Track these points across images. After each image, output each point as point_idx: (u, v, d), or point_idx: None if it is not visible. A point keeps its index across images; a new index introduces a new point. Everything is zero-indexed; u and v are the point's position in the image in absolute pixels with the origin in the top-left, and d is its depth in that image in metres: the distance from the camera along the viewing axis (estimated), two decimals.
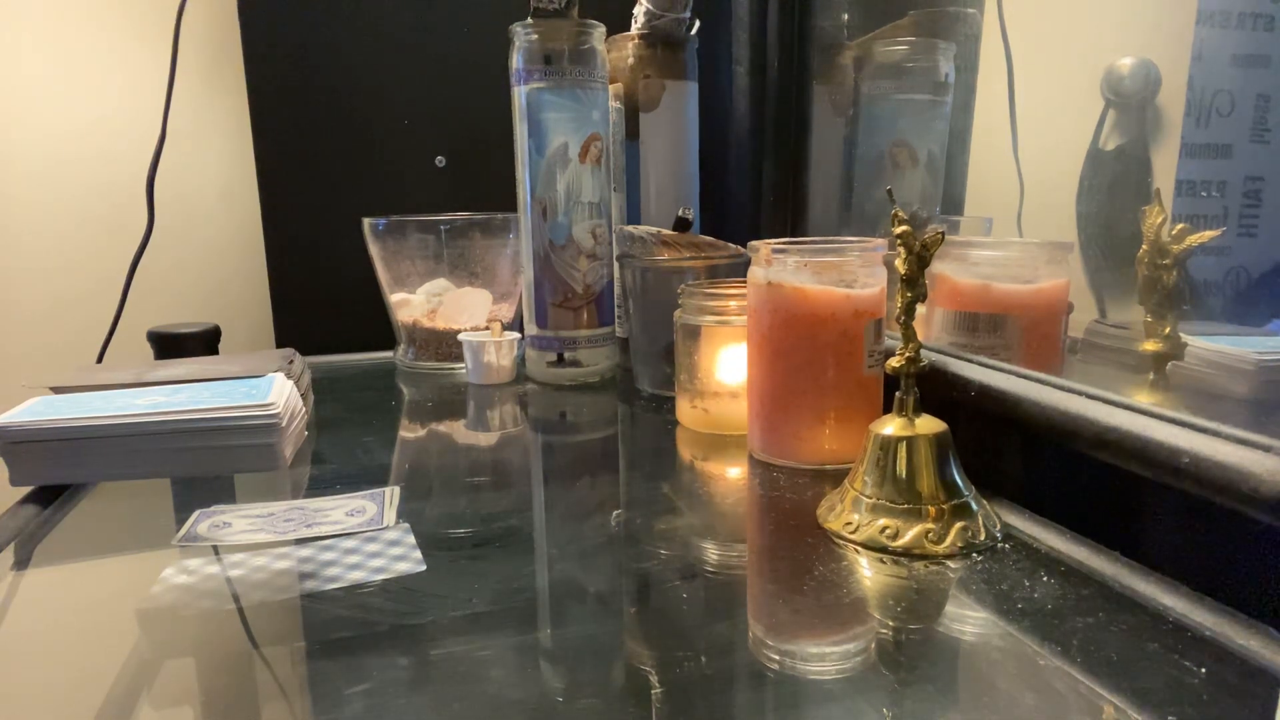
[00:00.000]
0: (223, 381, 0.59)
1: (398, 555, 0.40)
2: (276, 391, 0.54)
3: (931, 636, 0.33)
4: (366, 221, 0.84)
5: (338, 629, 0.34)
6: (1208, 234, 0.45)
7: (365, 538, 0.42)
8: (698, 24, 0.81)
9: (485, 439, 0.64)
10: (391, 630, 0.34)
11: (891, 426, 0.41)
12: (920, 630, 0.33)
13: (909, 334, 0.42)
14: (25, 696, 0.32)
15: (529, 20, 0.69)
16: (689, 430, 0.60)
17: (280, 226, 0.95)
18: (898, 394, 0.42)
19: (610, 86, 0.78)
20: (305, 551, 0.41)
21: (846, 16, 0.79)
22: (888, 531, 0.40)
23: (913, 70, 0.70)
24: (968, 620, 0.34)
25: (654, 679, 0.31)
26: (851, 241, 0.49)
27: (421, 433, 0.66)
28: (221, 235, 1.09)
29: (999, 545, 0.40)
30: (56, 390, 0.59)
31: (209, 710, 0.30)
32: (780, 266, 0.49)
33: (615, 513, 0.45)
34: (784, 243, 0.49)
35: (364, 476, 0.52)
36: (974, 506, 0.41)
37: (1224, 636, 0.31)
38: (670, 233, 0.68)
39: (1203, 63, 0.46)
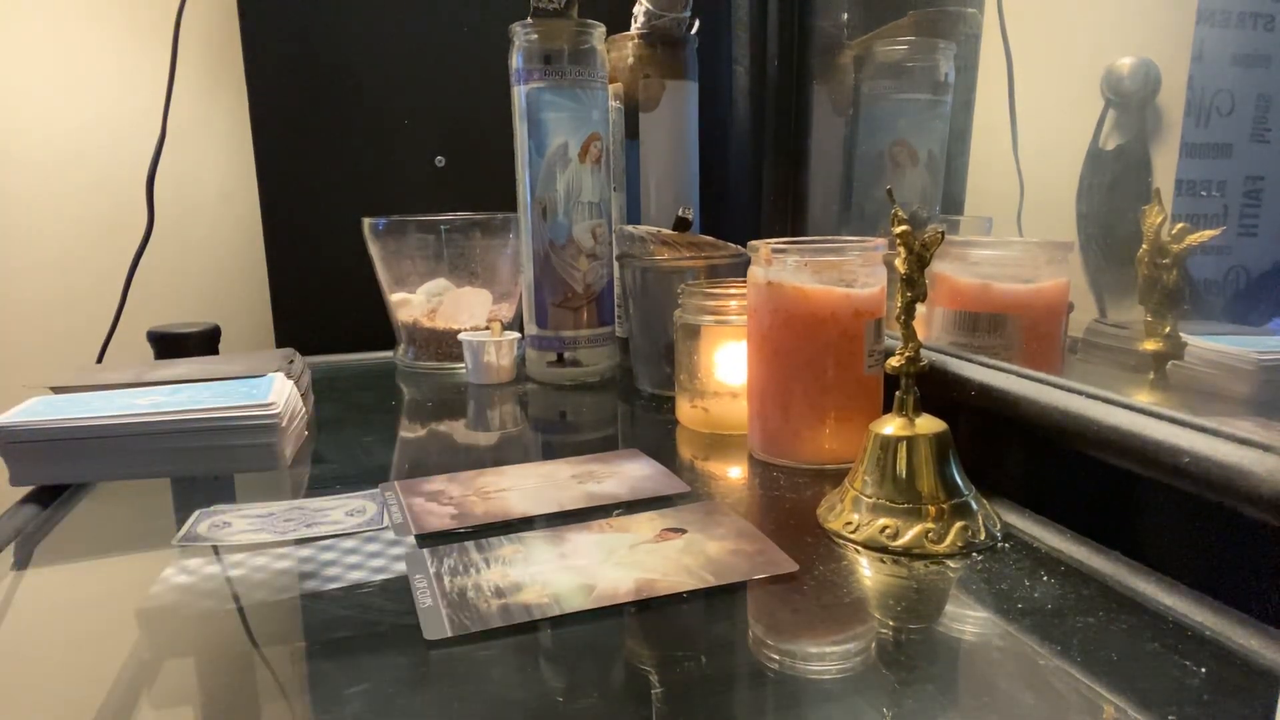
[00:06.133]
0: (223, 381, 0.59)
1: (398, 555, 0.40)
2: (276, 391, 0.54)
3: (931, 636, 0.33)
4: (366, 221, 0.84)
5: (338, 629, 0.34)
6: (1207, 233, 0.45)
7: (365, 538, 0.42)
8: (698, 24, 0.81)
9: (485, 439, 0.64)
10: (391, 630, 0.34)
11: (891, 426, 0.41)
12: (920, 630, 0.33)
13: (909, 334, 0.42)
14: (25, 696, 0.32)
15: (529, 20, 0.69)
16: (689, 430, 0.60)
17: (280, 226, 0.95)
18: (898, 394, 0.42)
19: (610, 86, 0.78)
20: (305, 551, 0.41)
21: (846, 16, 0.79)
22: (888, 531, 0.40)
23: (913, 70, 0.70)
24: (968, 620, 0.34)
25: (654, 679, 0.31)
26: (851, 241, 0.49)
27: (421, 432, 0.66)
28: (221, 235, 1.09)
29: (999, 545, 0.40)
30: (56, 390, 0.59)
31: (209, 710, 0.30)
32: (780, 266, 0.49)
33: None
34: (784, 242, 0.49)
35: (364, 476, 0.52)
36: (974, 506, 0.41)
37: (1224, 636, 0.31)
38: (670, 232, 0.68)
39: (1203, 62, 0.46)
